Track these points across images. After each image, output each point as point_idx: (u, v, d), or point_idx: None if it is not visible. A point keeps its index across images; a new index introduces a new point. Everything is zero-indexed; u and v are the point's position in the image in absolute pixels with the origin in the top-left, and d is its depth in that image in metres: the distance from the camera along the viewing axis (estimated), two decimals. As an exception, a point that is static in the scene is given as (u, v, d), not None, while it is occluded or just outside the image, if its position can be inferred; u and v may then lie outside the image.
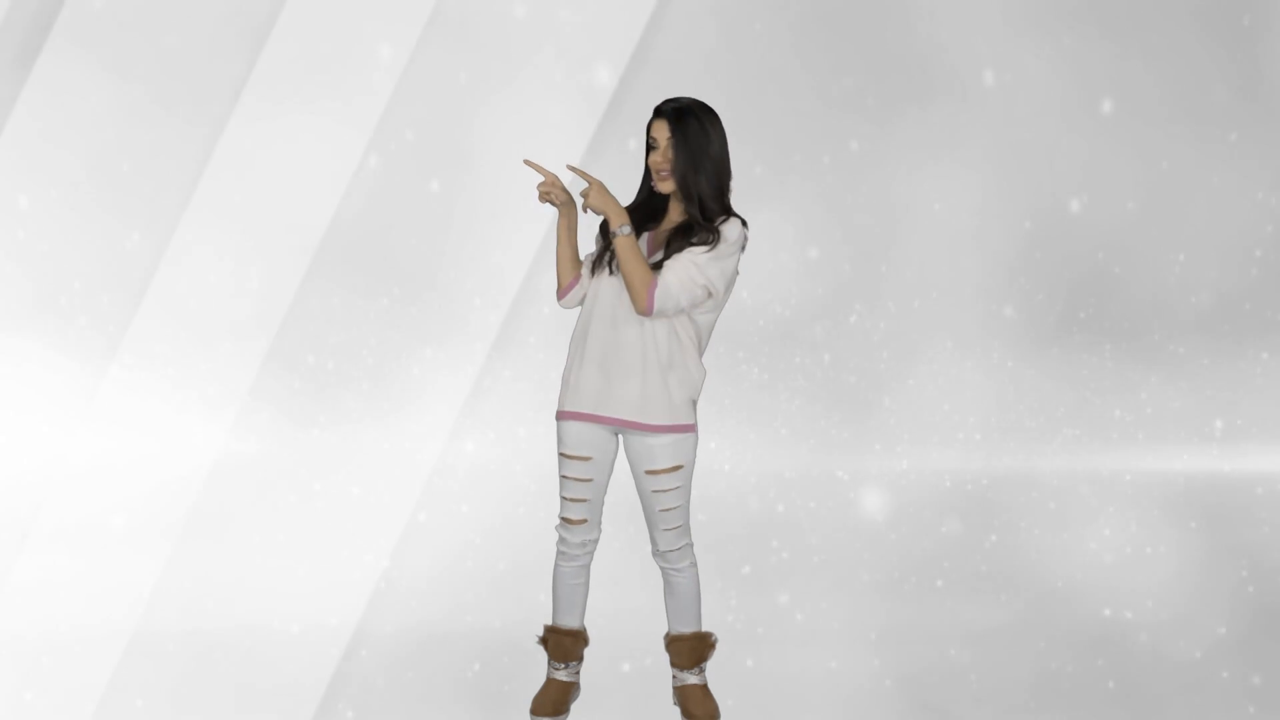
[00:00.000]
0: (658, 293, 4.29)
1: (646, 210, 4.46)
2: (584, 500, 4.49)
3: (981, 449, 7.66)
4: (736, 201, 4.50)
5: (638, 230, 4.43)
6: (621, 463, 4.56)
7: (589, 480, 4.47)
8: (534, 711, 4.60)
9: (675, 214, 4.45)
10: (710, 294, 4.36)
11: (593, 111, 7.37)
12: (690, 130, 4.35)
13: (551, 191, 4.46)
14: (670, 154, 4.35)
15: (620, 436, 4.48)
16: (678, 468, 4.43)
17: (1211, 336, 7.98)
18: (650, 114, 4.44)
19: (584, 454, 4.45)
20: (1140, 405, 7.89)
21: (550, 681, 4.63)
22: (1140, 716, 4.80)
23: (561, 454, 4.48)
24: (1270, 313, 8.01)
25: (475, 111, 7.40)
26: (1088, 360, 7.91)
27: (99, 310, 7.21)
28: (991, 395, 7.79)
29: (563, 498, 4.51)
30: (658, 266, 4.34)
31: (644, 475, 4.44)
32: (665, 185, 4.39)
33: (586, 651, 4.71)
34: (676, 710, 4.64)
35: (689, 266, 4.31)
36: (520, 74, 7.40)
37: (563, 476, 4.49)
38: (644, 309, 4.30)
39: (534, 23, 7.44)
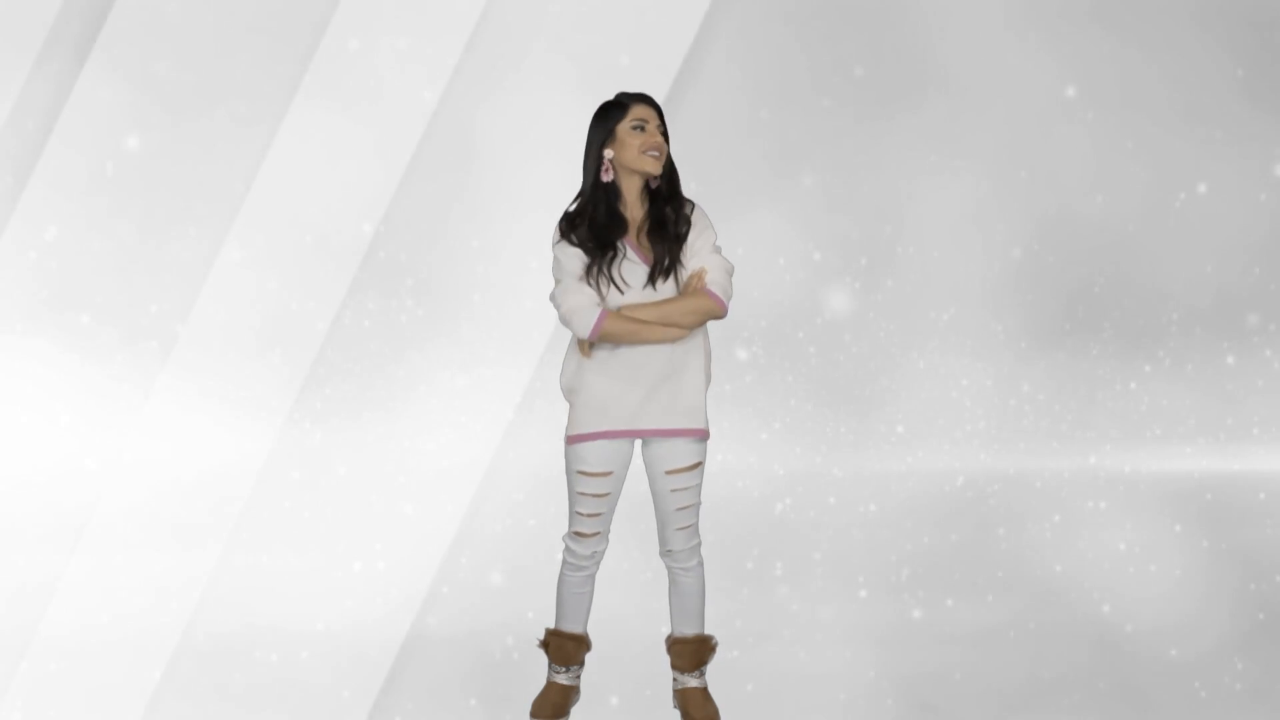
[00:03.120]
0: (718, 293, 4.29)
1: (605, 215, 4.32)
2: (599, 514, 4.44)
3: (983, 447, 7.65)
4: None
5: (609, 240, 4.29)
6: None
7: (607, 495, 4.42)
8: (534, 714, 4.59)
9: (634, 209, 4.36)
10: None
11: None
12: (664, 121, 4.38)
13: None
14: (661, 138, 4.31)
15: (638, 443, 4.45)
16: (697, 465, 4.41)
17: (1217, 335, 7.96)
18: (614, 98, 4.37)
19: (606, 469, 4.39)
20: (1144, 404, 7.87)
21: (551, 685, 4.62)
22: (1139, 718, 4.79)
23: (580, 472, 4.38)
24: (1276, 311, 7.99)
25: (511, 122, 7.41)
26: (1091, 358, 7.89)
27: (148, 319, 7.25)
28: (993, 394, 7.77)
29: (577, 513, 4.44)
30: (671, 269, 4.30)
31: (664, 475, 4.40)
32: (656, 166, 4.28)
33: (586, 655, 4.69)
34: (677, 713, 4.62)
35: (713, 256, 4.33)
36: (550, 88, 7.38)
37: (580, 494, 4.40)
38: (723, 313, 4.32)
39: (577, 36, 7.42)
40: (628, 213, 4.35)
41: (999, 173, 7.82)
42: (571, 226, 4.34)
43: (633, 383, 4.33)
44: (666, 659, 4.68)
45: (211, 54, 7.31)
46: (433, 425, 7.35)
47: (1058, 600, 6.01)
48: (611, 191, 4.34)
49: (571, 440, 4.39)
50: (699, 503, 4.47)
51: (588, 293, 4.27)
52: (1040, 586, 6.16)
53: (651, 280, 4.30)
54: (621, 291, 4.28)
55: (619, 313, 4.27)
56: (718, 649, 4.63)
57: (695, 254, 4.32)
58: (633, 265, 4.32)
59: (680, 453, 4.39)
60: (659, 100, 4.45)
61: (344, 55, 7.38)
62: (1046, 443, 7.71)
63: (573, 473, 4.41)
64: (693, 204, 4.41)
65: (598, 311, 4.26)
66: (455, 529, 6.59)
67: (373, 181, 7.41)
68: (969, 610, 5.85)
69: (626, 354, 4.32)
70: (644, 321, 4.26)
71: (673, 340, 4.30)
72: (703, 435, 4.41)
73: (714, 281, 4.29)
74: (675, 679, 4.61)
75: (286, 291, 7.38)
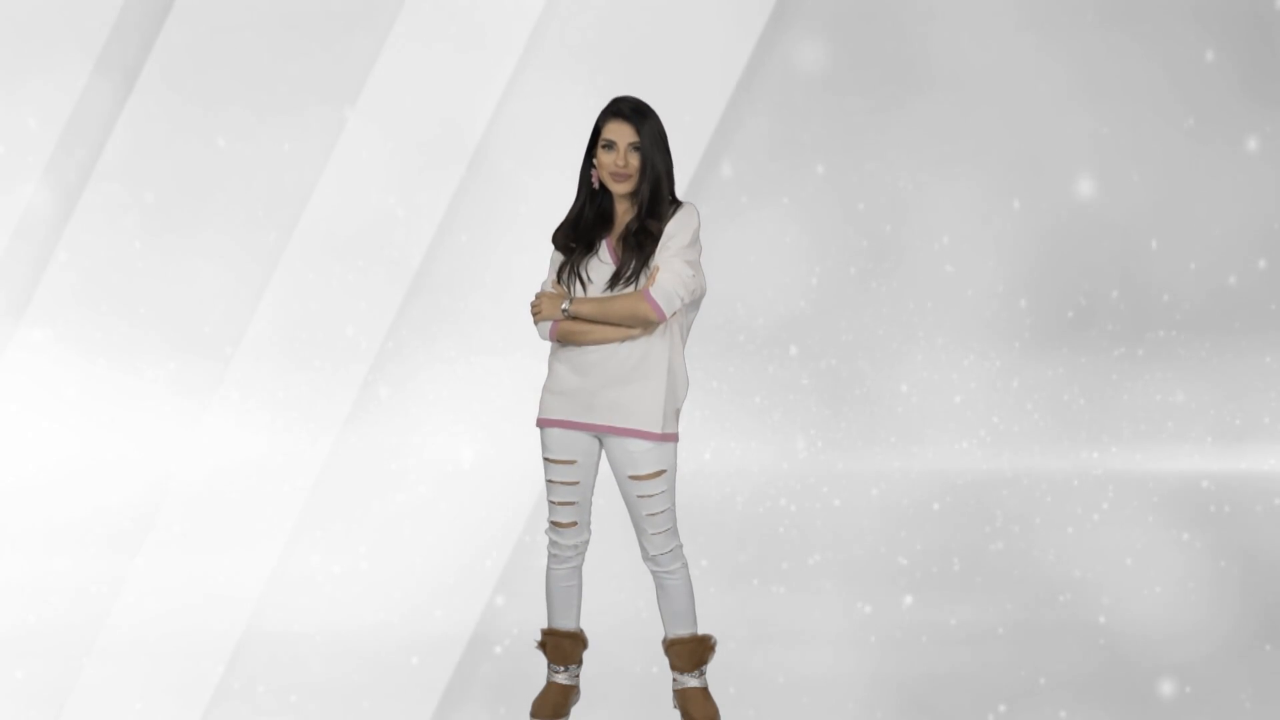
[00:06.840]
0: (656, 296, 4.31)
1: (593, 216, 4.43)
2: (572, 504, 4.51)
3: (985, 447, 7.65)
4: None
5: (590, 240, 4.41)
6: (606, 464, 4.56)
7: (575, 483, 4.49)
8: (534, 714, 4.61)
9: (624, 213, 4.44)
10: (700, 282, 4.41)
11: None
12: (654, 132, 4.38)
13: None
14: (631, 157, 4.35)
15: (601, 441, 4.49)
16: (660, 473, 4.44)
17: (1223, 333, 7.94)
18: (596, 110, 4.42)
19: (567, 458, 4.47)
20: (1147, 402, 7.86)
21: (550, 685, 4.64)
22: (1138, 719, 4.80)
23: (546, 459, 4.49)
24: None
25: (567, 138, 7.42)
26: (1094, 356, 7.89)
27: (207, 330, 7.30)
28: (996, 393, 7.77)
29: (550, 502, 4.52)
30: (634, 277, 4.34)
31: (627, 480, 4.45)
32: (623, 186, 4.37)
33: (586, 654, 4.71)
34: (677, 713, 4.63)
35: (674, 261, 4.34)
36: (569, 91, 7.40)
37: (549, 481, 4.50)
38: (656, 319, 4.33)
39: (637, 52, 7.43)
40: (617, 215, 4.44)
41: (1002, 170, 7.82)
42: (561, 227, 4.48)
43: (586, 377, 4.41)
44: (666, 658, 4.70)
45: (255, 73, 7.35)
46: (440, 427, 7.37)
47: (1058, 601, 6.02)
48: (603, 196, 4.44)
49: (537, 423, 4.50)
50: (670, 508, 4.49)
51: (554, 297, 4.42)
52: (1041, 587, 6.16)
53: (613, 285, 4.37)
54: (585, 288, 4.39)
55: (570, 312, 4.36)
56: (716, 648, 4.64)
57: (659, 255, 4.37)
58: (601, 265, 4.42)
59: (638, 459, 4.41)
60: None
61: (387, 69, 7.41)
62: (1048, 442, 7.71)
63: (542, 458, 4.51)
64: (681, 206, 4.43)
65: (550, 321, 4.41)
66: (453, 526, 6.61)
67: (423, 183, 7.45)
68: (969, 610, 5.86)
69: (585, 349, 4.40)
70: (592, 324, 4.37)
71: (620, 339, 4.37)
72: (658, 439, 4.41)
73: (659, 286, 4.32)
74: (675, 679, 4.62)
75: (340, 300, 7.41)
